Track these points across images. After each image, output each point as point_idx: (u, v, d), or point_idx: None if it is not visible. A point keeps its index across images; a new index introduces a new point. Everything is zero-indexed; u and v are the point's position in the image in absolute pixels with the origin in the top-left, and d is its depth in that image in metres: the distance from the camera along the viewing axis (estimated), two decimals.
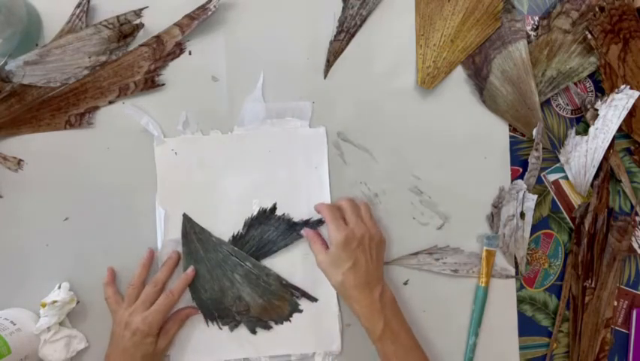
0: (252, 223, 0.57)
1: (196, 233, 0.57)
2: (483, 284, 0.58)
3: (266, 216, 0.57)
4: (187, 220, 0.57)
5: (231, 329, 0.57)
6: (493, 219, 0.59)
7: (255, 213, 0.57)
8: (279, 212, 0.58)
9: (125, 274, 0.57)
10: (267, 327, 0.57)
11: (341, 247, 0.51)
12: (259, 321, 0.57)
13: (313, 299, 0.58)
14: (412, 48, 0.59)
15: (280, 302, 0.57)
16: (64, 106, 0.57)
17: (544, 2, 0.59)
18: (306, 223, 0.57)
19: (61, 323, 0.56)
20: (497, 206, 0.59)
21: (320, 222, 0.57)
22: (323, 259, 0.53)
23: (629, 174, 0.60)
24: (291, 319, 0.58)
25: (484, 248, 0.58)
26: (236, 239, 0.57)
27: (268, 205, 0.58)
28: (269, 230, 0.57)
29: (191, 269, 0.56)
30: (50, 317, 0.54)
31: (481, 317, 0.58)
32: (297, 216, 0.58)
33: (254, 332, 0.57)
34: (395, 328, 0.51)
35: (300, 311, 0.58)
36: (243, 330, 0.57)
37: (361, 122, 0.59)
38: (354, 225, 0.52)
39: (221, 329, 0.57)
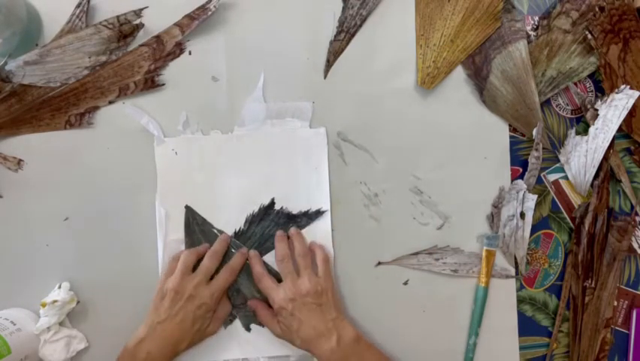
0: (252, 220, 0.58)
1: (198, 225, 0.57)
2: (483, 284, 0.58)
3: (266, 212, 0.58)
4: (190, 212, 0.57)
5: (225, 325, 0.58)
6: (493, 219, 0.59)
7: (256, 210, 0.58)
8: (277, 207, 0.58)
9: (125, 274, 0.57)
10: (262, 324, 0.57)
11: (281, 314, 0.52)
12: (254, 317, 0.57)
13: None
14: (412, 48, 0.59)
15: None
16: (64, 106, 0.57)
17: (544, 2, 0.59)
18: (306, 215, 0.57)
19: (61, 323, 0.56)
20: (497, 206, 0.59)
21: (319, 213, 0.57)
22: (278, 334, 0.54)
23: (629, 174, 0.60)
24: None
25: (484, 248, 0.58)
26: (238, 235, 0.58)
27: (268, 204, 0.58)
28: (269, 225, 0.58)
29: (245, 249, 0.57)
30: (50, 316, 0.54)
31: (481, 317, 0.58)
32: (297, 211, 0.58)
33: (248, 329, 0.57)
34: None
35: None
36: (238, 328, 0.58)
37: (361, 122, 0.59)
38: (285, 288, 0.53)
39: None
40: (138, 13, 0.56)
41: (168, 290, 0.52)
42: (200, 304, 0.52)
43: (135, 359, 0.50)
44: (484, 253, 0.58)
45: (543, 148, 0.59)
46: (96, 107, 0.57)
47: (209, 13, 0.56)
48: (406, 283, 0.59)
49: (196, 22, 0.56)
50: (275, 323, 0.54)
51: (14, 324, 0.53)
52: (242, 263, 0.56)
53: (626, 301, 0.61)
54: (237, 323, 0.58)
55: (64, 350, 0.55)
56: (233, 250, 0.57)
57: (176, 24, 0.56)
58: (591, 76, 0.60)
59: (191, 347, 0.54)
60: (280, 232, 0.57)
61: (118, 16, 0.56)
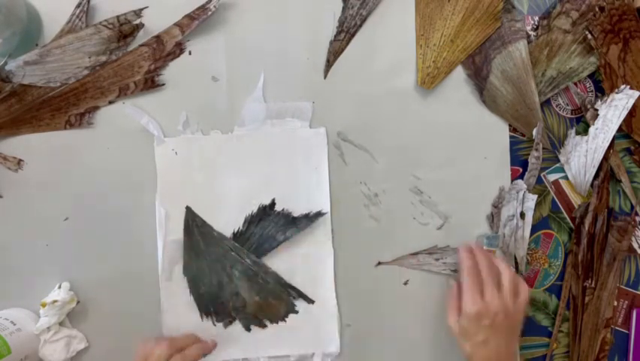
0: (251, 220, 0.57)
1: (198, 226, 0.57)
2: None
3: (265, 212, 0.58)
4: (190, 213, 0.57)
5: (225, 325, 0.57)
6: (493, 219, 0.59)
7: (255, 210, 0.58)
8: (278, 208, 0.58)
9: (125, 275, 0.57)
10: (262, 325, 0.58)
11: (471, 321, 0.49)
12: (254, 319, 0.57)
13: (310, 301, 0.58)
14: (412, 48, 0.59)
15: (277, 301, 0.57)
16: (64, 106, 0.57)
17: (544, 2, 0.59)
18: (306, 217, 0.57)
19: (61, 323, 0.56)
20: (497, 206, 0.59)
21: (319, 214, 0.57)
22: (453, 325, 0.51)
23: (629, 174, 0.60)
24: (286, 319, 0.58)
25: (484, 248, 0.58)
26: (237, 236, 0.57)
27: (268, 204, 0.58)
28: (268, 225, 0.57)
29: (213, 343, 0.54)
30: (50, 316, 0.54)
31: None
32: (297, 212, 0.58)
33: (248, 329, 0.57)
34: None
35: (296, 312, 0.58)
36: (238, 328, 0.58)
37: (361, 122, 0.59)
38: (489, 300, 0.49)
39: (215, 325, 0.57)
40: (138, 13, 0.56)
41: None
42: None
43: None
44: None
45: (543, 148, 0.59)
46: (96, 107, 0.57)
47: (209, 13, 0.56)
48: (406, 283, 0.59)
49: (196, 22, 0.56)
50: (455, 318, 0.51)
51: (14, 324, 0.53)
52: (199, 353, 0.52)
53: (626, 301, 0.61)
54: (237, 324, 0.58)
55: (64, 350, 0.55)
56: (233, 253, 0.57)
57: (176, 24, 0.56)
58: (591, 76, 0.60)
59: None
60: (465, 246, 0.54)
61: (118, 16, 0.56)
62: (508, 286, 0.50)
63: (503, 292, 0.50)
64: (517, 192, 0.58)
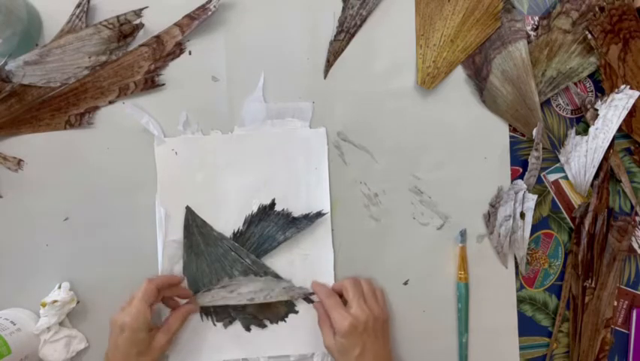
0: (252, 220, 0.57)
1: (198, 226, 0.57)
2: (463, 281, 0.58)
3: (265, 212, 0.58)
4: (190, 213, 0.57)
5: (225, 325, 0.57)
6: (489, 218, 0.59)
7: (255, 210, 0.58)
8: (278, 208, 0.58)
9: (125, 274, 0.57)
10: (262, 325, 0.58)
11: (346, 336, 0.50)
12: (254, 319, 0.57)
13: (310, 301, 0.58)
14: (412, 48, 0.59)
15: (277, 301, 0.57)
16: (64, 106, 0.57)
17: (544, 2, 0.59)
18: (306, 218, 0.57)
19: (61, 323, 0.56)
20: (494, 205, 0.59)
21: (319, 215, 0.57)
22: (330, 345, 0.52)
23: (629, 174, 0.60)
24: (286, 319, 0.58)
25: (459, 245, 0.58)
26: (237, 236, 0.57)
27: (268, 204, 0.58)
28: (268, 225, 0.57)
29: (181, 275, 0.56)
30: (50, 316, 0.54)
31: (467, 313, 0.58)
32: (297, 212, 0.58)
33: (248, 329, 0.57)
34: None
35: (296, 312, 0.58)
36: (238, 328, 0.58)
37: (361, 122, 0.59)
38: (356, 309, 0.51)
39: (215, 325, 0.57)
40: (138, 13, 0.56)
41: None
42: (121, 327, 0.50)
43: None
44: (459, 250, 0.58)
45: (543, 148, 0.59)
46: (96, 107, 0.57)
47: (209, 13, 0.56)
48: (406, 283, 0.59)
49: (196, 22, 0.56)
50: (331, 338, 0.52)
51: (14, 324, 0.53)
52: (165, 281, 0.54)
53: (626, 301, 0.61)
54: (237, 323, 0.58)
55: (64, 350, 0.55)
56: (233, 253, 0.57)
57: (176, 24, 0.56)
58: (591, 76, 0.60)
59: None
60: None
61: (118, 16, 0.56)
62: (367, 292, 0.54)
63: (364, 299, 0.53)
64: (516, 193, 0.58)
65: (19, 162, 0.57)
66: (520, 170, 0.60)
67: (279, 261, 0.58)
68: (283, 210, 0.58)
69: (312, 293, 0.58)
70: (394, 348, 0.59)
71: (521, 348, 0.60)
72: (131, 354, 0.50)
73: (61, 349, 0.55)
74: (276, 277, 0.57)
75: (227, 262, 0.57)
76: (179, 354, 0.58)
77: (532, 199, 0.58)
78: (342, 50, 0.58)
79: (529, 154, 0.59)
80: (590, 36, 0.57)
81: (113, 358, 0.51)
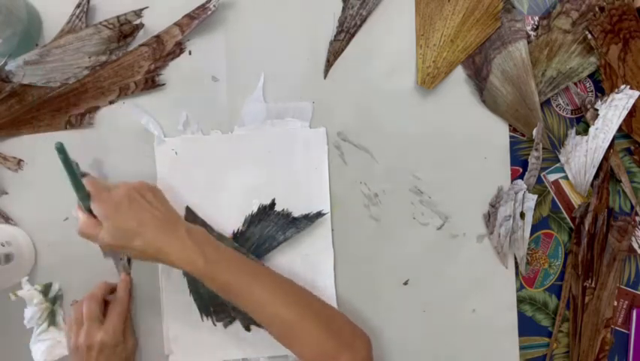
0: (252, 220, 0.57)
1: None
2: None
3: (265, 212, 0.58)
4: (190, 213, 0.57)
5: (225, 325, 0.57)
6: (489, 218, 0.59)
7: (255, 210, 0.57)
8: (278, 208, 0.58)
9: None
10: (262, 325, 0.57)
11: (113, 216, 0.46)
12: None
13: None
14: (412, 48, 0.59)
15: None
16: (65, 106, 0.57)
17: (544, 2, 0.59)
18: (306, 218, 0.57)
19: (55, 325, 0.56)
20: (494, 205, 0.59)
21: (319, 215, 0.57)
22: (105, 239, 0.46)
23: (629, 174, 0.60)
24: None
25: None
26: (237, 236, 0.57)
27: (268, 204, 0.58)
28: (268, 225, 0.57)
29: (127, 277, 0.56)
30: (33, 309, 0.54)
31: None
32: (297, 212, 0.58)
33: (248, 329, 0.57)
34: (220, 256, 0.47)
35: None
36: (238, 328, 0.57)
37: (361, 122, 0.59)
38: (113, 188, 0.47)
39: (215, 325, 0.57)
40: (138, 13, 0.56)
41: (70, 350, 0.51)
42: (100, 348, 0.49)
43: None
44: None
45: (543, 148, 0.59)
46: (96, 107, 0.57)
47: (209, 12, 0.56)
48: (406, 284, 0.59)
49: (196, 21, 0.56)
50: (99, 230, 0.47)
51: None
52: (127, 289, 0.54)
53: (626, 301, 0.61)
54: (237, 324, 0.58)
55: (46, 352, 0.54)
56: None
57: (176, 24, 0.56)
58: (591, 76, 0.60)
59: None
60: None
61: (118, 16, 0.56)
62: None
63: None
64: (516, 193, 0.58)
65: (19, 162, 0.57)
66: (520, 170, 0.60)
67: (279, 261, 0.58)
68: (283, 210, 0.58)
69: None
70: (394, 348, 0.59)
71: (521, 348, 0.60)
72: None
73: (43, 351, 0.54)
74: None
75: None
76: (179, 354, 0.58)
77: (532, 199, 0.58)
78: (342, 50, 0.58)
79: (529, 154, 0.59)
80: (590, 36, 0.57)
81: None
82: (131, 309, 0.56)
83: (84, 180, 0.48)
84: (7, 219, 0.57)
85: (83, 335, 0.50)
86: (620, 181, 0.60)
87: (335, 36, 0.58)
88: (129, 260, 0.57)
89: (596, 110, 0.58)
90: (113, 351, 0.50)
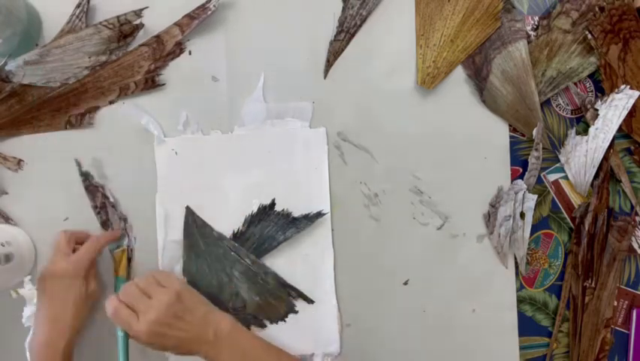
0: (252, 220, 0.57)
1: (198, 227, 0.57)
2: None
3: (265, 212, 0.58)
4: (189, 213, 0.57)
5: None
6: (489, 218, 0.59)
7: (255, 210, 0.57)
8: (278, 208, 0.58)
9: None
10: (262, 325, 0.58)
11: (152, 343, 0.47)
12: (254, 319, 0.57)
13: (310, 301, 0.58)
14: (412, 48, 0.59)
15: (277, 302, 0.57)
16: (65, 106, 0.57)
17: (544, 2, 0.59)
18: (306, 218, 0.57)
19: None
20: (494, 205, 0.59)
21: (319, 215, 0.57)
22: (140, 338, 0.47)
23: (629, 174, 0.60)
24: (286, 319, 0.58)
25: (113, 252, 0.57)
26: (237, 236, 0.57)
27: (268, 204, 0.58)
28: (268, 225, 0.57)
29: (116, 231, 0.56)
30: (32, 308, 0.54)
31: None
32: (297, 212, 0.58)
33: (248, 329, 0.57)
34: (242, 353, 0.49)
35: (296, 312, 0.58)
36: None
37: (361, 122, 0.59)
38: (144, 314, 0.46)
39: None
40: (138, 13, 0.56)
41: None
42: (62, 274, 0.51)
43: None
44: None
45: (543, 148, 0.59)
46: (96, 107, 0.57)
47: (209, 12, 0.56)
48: (406, 283, 0.59)
49: (196, 21, 0.56)
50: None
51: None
52: (109, 236, 0.55)
53: (626, 301, 0.61)
54: None
55: None
56: (233, 253, 0.57)
57: (176, 24, 0.56)
58: (591, 76, 0.60)
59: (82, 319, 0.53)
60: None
61: (118, 16, 0.56)
62: (146, 286, 0.49)
63: (149, 291, 0.48)
64: (516, 193, 0.58)
65: (19, 162, 0.57)
66: (520, 170, 0.60)
67: (279, 261, 0.58)
68: (283, 210, 0.58)
69: (312, 301, 0.58)
70: (394, 348, 0.59)
71: (521, 348, 0.60)
72: (68, 301, 0.51)
73: None
74: (275, 277, 0.57)
75: (228, 262, 0.57)
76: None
77: (532, 199, 0.58)
78: (342, 50, 0.58)
79: (529, 154, 0.59)
80: (590, 36, 0.57)
81: (47, 309, 0.51)
82: (130, 274, 0.57)
83: (108, 308, 0.48)
84: (7, 219, 0.57)
85: (48, 264, 0.52)
86: (620, 181, 0.60)
87: (335, 36, 0.58)
88: (129, 260, 0.58)
89: (596, 110, 0.58)
90: (71, 283, 0.51)
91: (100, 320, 0.57)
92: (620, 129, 0.58)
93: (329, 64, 0.58)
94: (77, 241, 0.55)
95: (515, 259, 0.59)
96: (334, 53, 0.58)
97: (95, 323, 0.57)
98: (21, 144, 0.57)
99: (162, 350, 0.48)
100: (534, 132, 0.58)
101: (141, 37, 0.57)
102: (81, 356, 0.56)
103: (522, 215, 0.58)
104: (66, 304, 0.51)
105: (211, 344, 0.48)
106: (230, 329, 0.50)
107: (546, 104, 0.60)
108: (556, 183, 0.61)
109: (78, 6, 0.55)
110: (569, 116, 0.60)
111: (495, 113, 0.59)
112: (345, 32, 0.58)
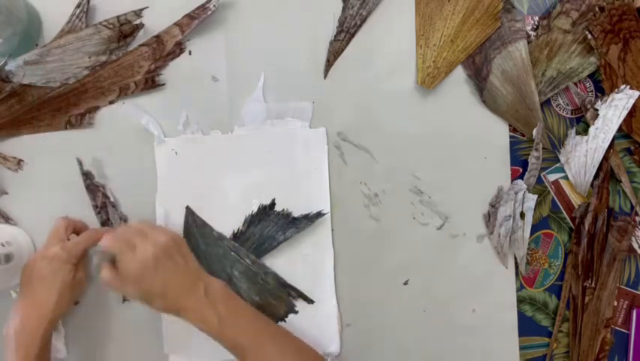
0: (252, 220, 0.57)
1: (198, 226, 0.57)
2: None
3: (265, 212, 0.58)
4: (189, 213, 0.57)
5: None
6: (489, 218, 0.59)
7: (255, 210, 0.57)
8: (278, 208, 0.58)
9: None
10: None
11: (140, 279, 0.47)
12: None
13: (310, 301, 0.58)
14: (412, 48, 0.59)
15: (277, 302, 0.57)
16: (65, 106, 0.57)
17: (544, 2, 0.59)
18: (306, 218, 0.57)
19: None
20: (494, 205, 0.59)
21: (319, 215, 0.57)
22: (130, 297, 0.49)
23: (629, 174, 0.60)
24: (286, 319, 0.58)
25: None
26: (237, 236, 0.57)
27: (268, 204, 0.58)
28: (268, 225, 0.57)
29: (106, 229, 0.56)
30: None
31: None
32: (297, 212, 0.58)
33: None
34: (234, 315, 0.49)
35: (296, 312, 0.58)
36: None
37: (361, 122, 0.59)
38: (140, 246, 0.48)
39: None
40: (138, 13, 0.56)
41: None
42: (52, 258, 0.50)
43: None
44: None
45: (543, 148, 0.59)
46: (96, 107, 0.57)
47: (209, 12, 0.56)
48: (406, 283, 0.59)
49: (196, 21, 0.56)
50: (122, 285, 0.49)
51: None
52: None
53: (626, 301, 0.61)
54: None
55: None
56: (233, 253, 0.57)
57: (176, 24, 0.56)
58: (591, 76, 0.60)
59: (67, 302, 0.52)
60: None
61: (118, 16, 0.56)
62: (145, 227, 0.50)
63: (146, 232, 0.49)
64: (516, 193, 0.58)
65: (19, 162, 0.57)
66: (520, 170, 0.60)
67: (279, 261, 0.58)
68: (283, 210, 0.58)
69: (312, 301, 0.58)
70: (394, 348, 0.59)
71: (521, 348, 0.60)
72: (56, 284, 0.51)
73: None
74: (275, 277, 0.57)
75: (228, 262, 0.57)
76: (179, 354, 0.58)
77: (532, 199, 0.58)
78: (342, 50, 0.58)
79: (529, 154, 0.59)
80: (590, 36, 0.57)
81: (34, 291, 0.50)
82: None
83: (105, 238, 0.49)
84: (7, 219, 0.57)
85: (40, 249, 0.52)
86: (620, 181, 0.60)
87: (335, 36, 0.58)
88: None
89: (596, 110, 0.58)
90: (60, 268, 0.51)
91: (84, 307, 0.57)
92: (620, 129, 0.58)
93: (329, 64, 0.58)
94: (75, 230, 0.55)
95: (515, 259, 0.59)
96: (334, 53, 0.58)
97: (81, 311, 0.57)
98: (21, 144, 0.57)
99: (148, 300, 0.48)
100: (534, 132, 0.58)
101: (141, 37, 0.57)
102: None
103: (522, 215, 0.58)
104: (52, 289, 0.50)
105: (200, 300, 0.48)
106: (222, 290, 0.50)
107: (546, 104, 0.60)
108: (556, 183, 0.61)
109: (78, 6, 0.55)
110: (569, 116, 0.60)
111: (495, 113, 0.59)
112: (345, 32, 0.58)
